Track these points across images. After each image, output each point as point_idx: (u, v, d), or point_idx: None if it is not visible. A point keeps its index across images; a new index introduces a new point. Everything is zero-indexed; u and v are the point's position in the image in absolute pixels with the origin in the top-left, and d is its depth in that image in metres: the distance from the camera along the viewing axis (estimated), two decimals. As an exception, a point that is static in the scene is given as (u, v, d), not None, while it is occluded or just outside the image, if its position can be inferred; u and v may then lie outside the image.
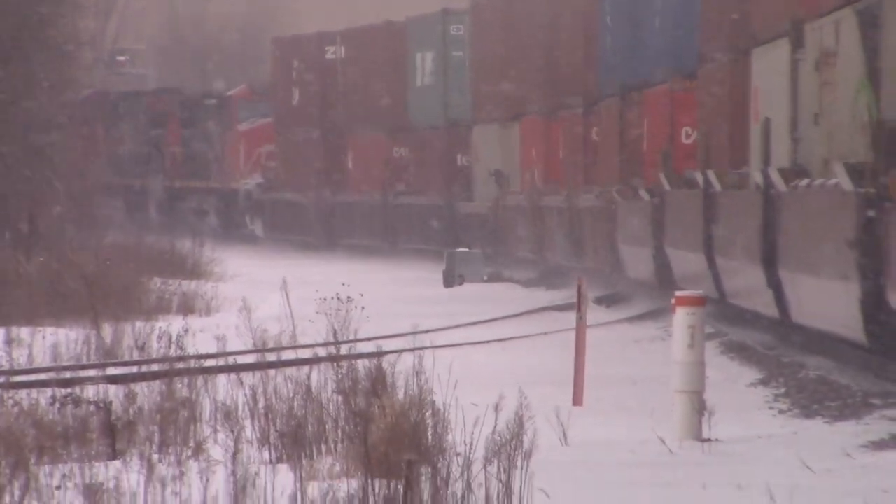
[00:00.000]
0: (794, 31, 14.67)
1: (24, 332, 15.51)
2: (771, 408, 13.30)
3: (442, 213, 30.95)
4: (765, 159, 15.39)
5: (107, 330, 15.61)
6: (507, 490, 6.86)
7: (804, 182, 13.65)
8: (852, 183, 11.69)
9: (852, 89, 12.48)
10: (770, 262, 14.91)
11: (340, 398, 9.61)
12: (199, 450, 8.30)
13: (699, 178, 17.93)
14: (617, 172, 22.26)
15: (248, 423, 9.56)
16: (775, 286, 14.72)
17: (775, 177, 14.47)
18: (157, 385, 10.78)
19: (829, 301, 12.85)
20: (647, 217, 20.54)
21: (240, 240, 33.21)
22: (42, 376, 12.67)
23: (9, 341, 14.41)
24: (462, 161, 29.76)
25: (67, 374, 12.24)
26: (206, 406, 10.37)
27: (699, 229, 17.86)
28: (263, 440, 9.51)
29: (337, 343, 10.52)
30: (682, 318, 10.40)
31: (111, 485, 6.63)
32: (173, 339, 13.00)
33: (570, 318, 14.68)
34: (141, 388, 10.56)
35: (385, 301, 18.68)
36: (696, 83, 18.97)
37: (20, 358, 13.99)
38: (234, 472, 6.79)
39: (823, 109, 13.63)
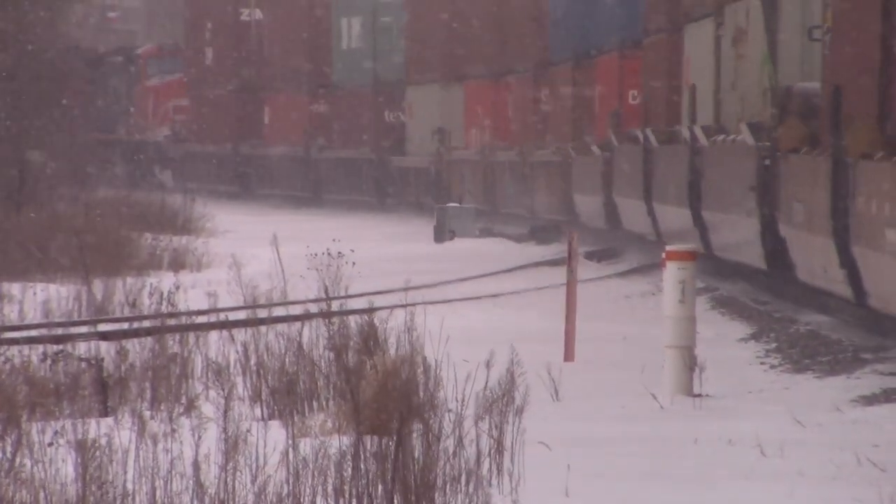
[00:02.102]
0: (717, 12, 17.82)
1: (14, 287, 15.81)
2: (762, 363, 13.45)
3: (373, 166, 33.35)
4: (692, 119, 18.05)
5: (98, 286, 15.75)
6: (499, 446, 6.85)
7: (721, 138, 16.48)
8: (753, 138, 14.52)
9: (758, 61, 15.37)
10: (696, 205, 17.77)
11: (332, 355, 9.59)
12: (190, 406, 8.70)
13: (640, 135, 20.81)
14: (570, 131, 25.31)
15: (239, 379, 9.61)
16: (700, 226, 17.56)
17: (699, 133, 17.44)
18: (148, 342, 10.78)
19: (738, 235, 15.65)
20: (598, 170, 23.45)
21: (147, 189, 34.33)
22: (33, 332, 12.75)
23: (-2, 297, 14.75)
24: (390, 118, 32.18)
25: (59, 331, 12.22)
26: (198, 363, 10.34)
27: (640, 179, 20.61)
28: (255, 397, 9.45)
29: (328, 299, 10.46)
30: (672, 274, 10.61)
31: (103, 441, 6.32)
32: (164, 295, 13.21)
33: (562, 272, 15.14)
34: (132, 345, 10.54)
35: (375, 258, 18.99)
36: (641, 52, 21.91)
37: (11, 314, 13.95)
38: (225, 429, 6.49)
39: (738, 78, 16.54)
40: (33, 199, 24.76)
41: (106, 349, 10.53)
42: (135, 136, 38.34)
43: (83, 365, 9.84)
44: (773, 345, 14.84)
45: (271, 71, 37.16)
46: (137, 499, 5.97)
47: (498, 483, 6.61)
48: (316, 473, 6.00)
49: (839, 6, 12.22)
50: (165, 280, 16.30)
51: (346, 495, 5.85)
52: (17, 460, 6.53)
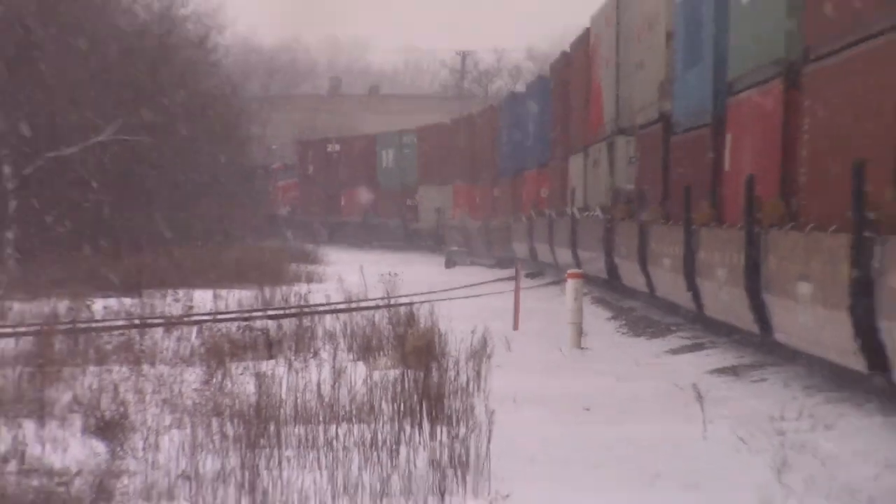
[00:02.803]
0: (584, 149, 24.41)
1: (222, 292, 20.02)
2: (618, 331, 17.23)
3: (401, 227, 50.21)
4: (572, 204, 25.20)
5: (267, 291, 20.25)
6: (478, 374, 9.33)
7: (587, 213, 23.29)
8: (602, 214, 21.09)
9: (605, 174, 21.61)
10: (574, 247, 24.43)
11: (390, 327, 12.45)
12: (315, 354, 11.09)
13: (547, 212, 29.04)
14: (510, 210, 35.57)
15: (341, 340, 12.57)
16: (576, 258, 23.95)
17: (576, 211, 24.59)
18: (294, 320, 14.06)
19: (595, 262, 21.45)
20: (524, 229, 32.28)
21: (281, 240, 47.62)
22: (232, 315, 16.21)
23: (215, 297, 18.89)
24: (410, 202, 48.63)
25: (246, 315, 15.90)
26: (319, 331, 13.25)
27: (546, 234, 28.54)
28: (349, 349, 12.09)
29: (388, 297, 14.28)
30: (571, 284, 14.77)
31: (269, 372, 8.33)
32: (302, 295, 18.85)
33: (513, 283, 19.09)
34: (286, 322, 13.82)
35: (410, 276, 23.29)
36: (547, 170, 30.39)
37: (221, 306, 17.91)
38: (333, 366, 8.83)
39: (595, 183, 23.10)
40: (235, 243, 34.67)
41: (271, 324, 13.54)
42: (272, 212, 57.03)
43: (259, 332, 12.54)
44: (623, 322, 18.15)
45: (344, 177, 56.00)
46: (288, 403, 7.52)
47: (477, 392, 8.51)
48: (382, 389, 7.81)
49: (641, 147, 17.78)
50: (303, 288, 21.38)
51: (398, 400, 7.51)
52: (225, 383, 8.74)
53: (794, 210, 9.63)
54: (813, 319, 8.57)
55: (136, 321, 14.79)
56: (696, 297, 13.49)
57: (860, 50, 7.86)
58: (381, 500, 5.42)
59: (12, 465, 6.01)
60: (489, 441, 6.10)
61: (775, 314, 9.93)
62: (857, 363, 7.65)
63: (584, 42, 24.84)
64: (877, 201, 7.18)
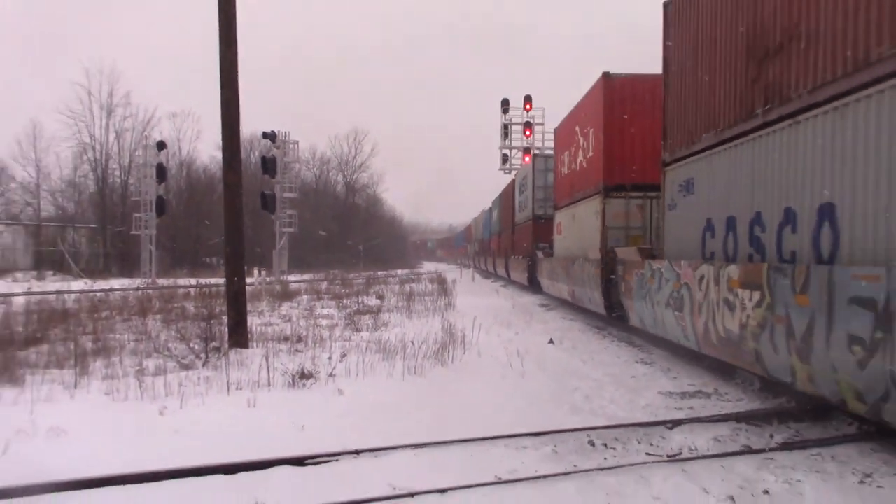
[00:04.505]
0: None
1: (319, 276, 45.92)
2: (540, 306, 31.63)
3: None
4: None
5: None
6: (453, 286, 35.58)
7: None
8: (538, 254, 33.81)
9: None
10: (532, 277, 34.20)
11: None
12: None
13: (539, 253, 32.83)
14: (528, 250, 36.84)
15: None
16: (535, 284, 33.82)
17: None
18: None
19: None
20: (526, 265, 36.82)
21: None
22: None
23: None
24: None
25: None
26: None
27: (504, 262, 46.60)
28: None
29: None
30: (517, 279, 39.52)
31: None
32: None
33: (496, 286, 43.25)
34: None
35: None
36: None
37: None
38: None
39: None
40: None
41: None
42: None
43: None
44: (549, 303, 30.14)
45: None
46: (310, 337, 16.06)
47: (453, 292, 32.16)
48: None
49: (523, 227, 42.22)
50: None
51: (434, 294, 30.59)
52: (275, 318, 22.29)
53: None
54: (554, 287, 30.72)
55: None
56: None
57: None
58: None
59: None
60: (455, 300, 28.55)
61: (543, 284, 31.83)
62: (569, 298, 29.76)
63: (510, 186, 44.03)
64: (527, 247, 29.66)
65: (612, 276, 18.28)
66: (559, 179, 26.87)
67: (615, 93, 19.14)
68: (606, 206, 19.26)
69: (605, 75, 19.31)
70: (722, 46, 12.12)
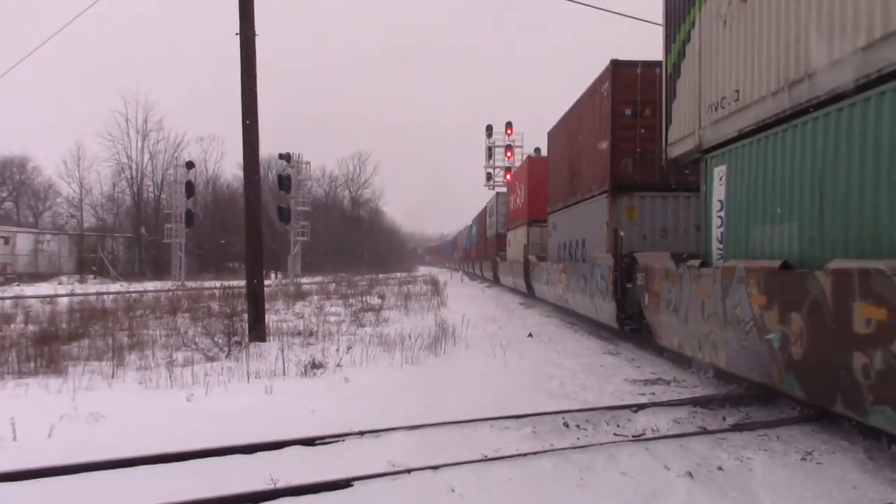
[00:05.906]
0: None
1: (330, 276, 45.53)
2: (520, 304, 29.55)
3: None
4: (497, 256, 43.83)
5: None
6: (444, 287, 36.21)
7: (544, 263, 28.12)
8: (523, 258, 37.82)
9: (522, 246, 33.43)
10: (528, 281, 31.51)
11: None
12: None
13: (533, 258, 31.96)
14: (522, 253, 35.59)
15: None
16: (529, 287, 31.01)
17: (532, 259, 30.12)
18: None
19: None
20: (521, 269, 34.23)
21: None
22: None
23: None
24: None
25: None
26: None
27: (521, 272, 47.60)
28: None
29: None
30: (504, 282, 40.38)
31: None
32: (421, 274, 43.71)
33: (483, 287, 42.81)
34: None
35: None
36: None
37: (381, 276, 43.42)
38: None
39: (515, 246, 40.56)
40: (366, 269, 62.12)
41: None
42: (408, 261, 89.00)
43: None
44: (530, 302, 28.97)
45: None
46: (320, 332, 15.29)
47: (444, 292, 33.44)
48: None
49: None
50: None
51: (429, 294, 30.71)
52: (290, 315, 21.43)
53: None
54: (507, 280, 31.36)
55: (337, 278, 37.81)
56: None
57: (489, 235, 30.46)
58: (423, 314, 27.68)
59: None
60: (446, 297, 28.40)
61: (534, 287, 32.18)
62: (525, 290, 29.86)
63: (483, 212, 48.27)
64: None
65: (629, 285, 14.59)
66: (509, 211, 36.74)
67: (534, 166, 29.73)
68: (530, 231, 29.85)
69: (530, 157, 30.87)
70: (562, 163, 21.72)
